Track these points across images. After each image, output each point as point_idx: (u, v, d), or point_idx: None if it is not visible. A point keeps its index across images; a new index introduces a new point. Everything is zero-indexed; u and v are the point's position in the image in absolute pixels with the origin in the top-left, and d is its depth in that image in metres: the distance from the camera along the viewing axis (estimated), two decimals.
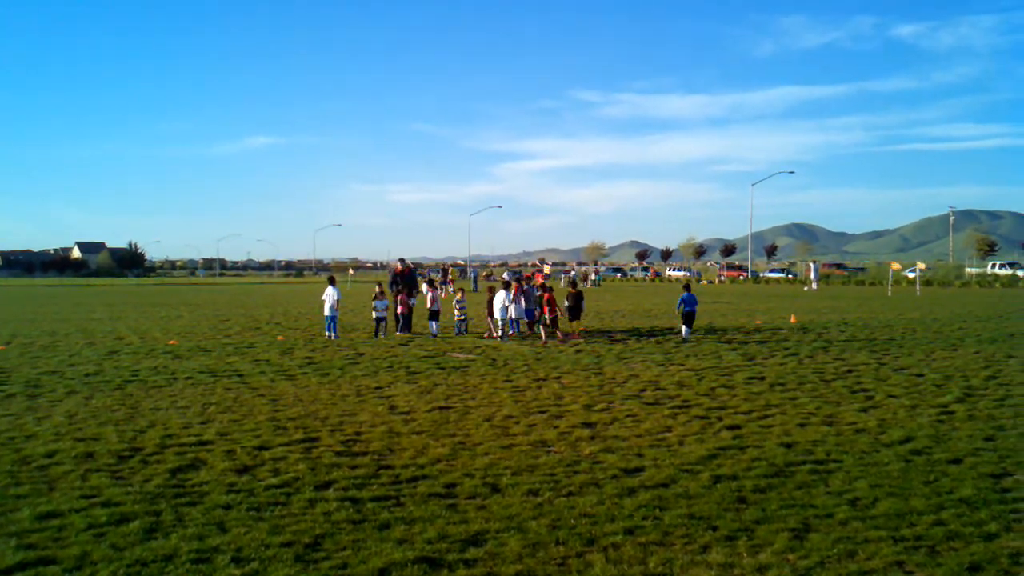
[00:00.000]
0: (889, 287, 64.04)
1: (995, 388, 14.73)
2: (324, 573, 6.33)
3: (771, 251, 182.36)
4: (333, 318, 24.24)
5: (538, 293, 24.17)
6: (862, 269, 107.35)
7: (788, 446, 10.33)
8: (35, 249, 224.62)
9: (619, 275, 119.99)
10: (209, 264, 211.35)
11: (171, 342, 23.12)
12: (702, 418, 12.14)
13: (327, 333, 24.19)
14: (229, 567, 6.43)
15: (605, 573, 6.31)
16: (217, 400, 13.79)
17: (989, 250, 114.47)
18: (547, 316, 23.40)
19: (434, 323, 24.65)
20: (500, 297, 23.43)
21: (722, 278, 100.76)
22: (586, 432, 11.20)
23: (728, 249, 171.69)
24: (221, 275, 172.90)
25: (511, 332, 23.52)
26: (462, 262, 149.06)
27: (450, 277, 63.15)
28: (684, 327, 23.45)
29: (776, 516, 7.58)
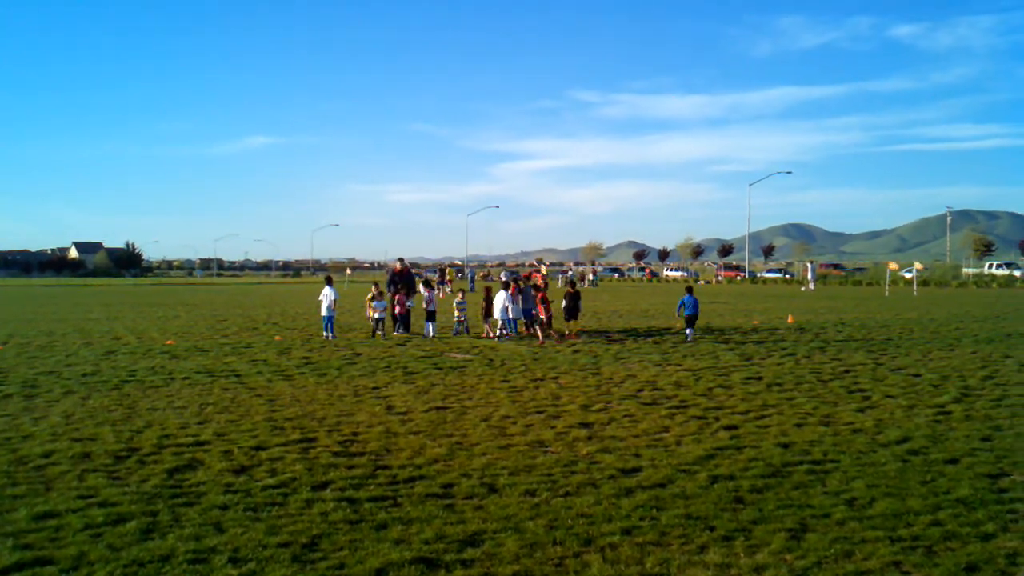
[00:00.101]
0: (886, 287, 64.09)
1: (992, 388, 14.74)
2: (321, 573, 6.33)
3: (768, 251, 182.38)
4: (330, 318, 24.22)
5: (532, 293, 24.16)
6: (862, 269, 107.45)
7: (785, 446, 10.33)
8: (32, 249, 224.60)
9: (616, 275, 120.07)
10: (207, 264, 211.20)
11: (168, 342, 23.10)
12: (699, 418, 12.15)
13: (324, 333, 24.18)
14: (226, 567, 6.42)
15: (602, 573, 6.31)
16: (214, 400, 13.78)
17: (986, 250, 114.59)
18: (542, 316, 23.40)
19: (430, 324, 24.64)
20: (500, 297, 23.43)
21: (719, 278, 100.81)
22: (583, 432, 11.20)
23: (725, 249, 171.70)
24: (218, 275, 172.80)
25: (508, 332, 23.50)
26: (459, 262, 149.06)
27: (448, 277, 63.12)
28: (688, 330, 23.42)
29: (773, 516, 7.58)
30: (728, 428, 11.46)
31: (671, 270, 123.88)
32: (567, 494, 8.32)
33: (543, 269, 75.70)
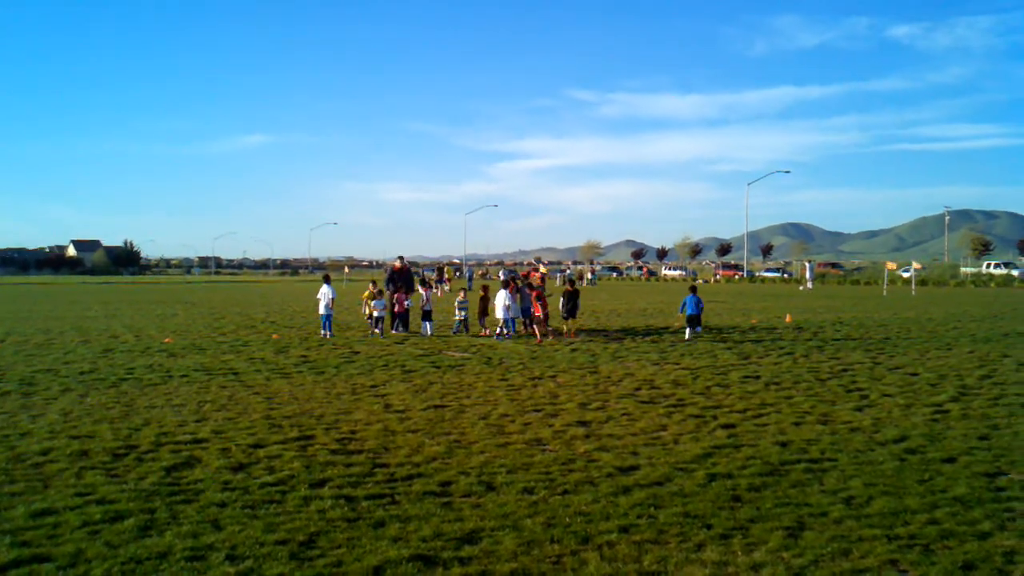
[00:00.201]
0: (884, 287, 64.13)
1: (990, 387, 14.76)
2: (319, 571, 6.33)
3: (767, 250, 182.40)
4: (328, 316, 24.22)
5: (510, 296, 24.13)
6: (861, 269, 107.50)
7: (783, 445, 10.34)
8: (30, 247, 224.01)
9: (615, 274, 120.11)
10: (205, 263, 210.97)
11: (166, 340, 23.09)
12: (697, 417, 12.16)
13: (322, 332, 24.18)
14: (223, 565, 6.42)
15: (600, 571, 6.32)
16: (212, 398, 13.78)
17: (984, 250, 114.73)
18: (538, 314, 23.40)
19: (427, 323, 24.64)
20: (501, 296, 23.45)
21: (718, 277, 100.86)
22: (581, 431, 11.21)
23: (724, 248, 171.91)
24: (216, 273, 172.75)
25: (508, 332, 23.49)
26: (458, 261, 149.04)
27: (447, 276, 63.12)
28: (688, 329, 23.45)
29: (771, 515, 7.59)
30: (726, 427, 11.46)
31: (669, 269, 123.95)
32: (565, 492, 8.33)
33: (542, 268, 75.63)
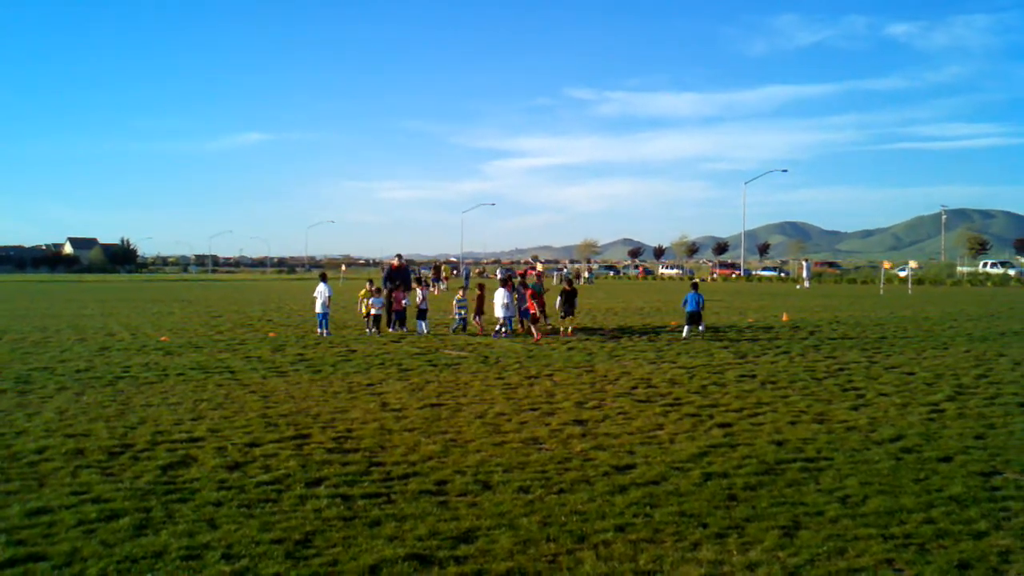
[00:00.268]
0: (881, 286, 64.18)
1: (986, 386, 14.77)
2: (314, 570, 6.32)
3: (763, 249, 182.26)
4: (324, 315, 24.21)
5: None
6: (860, 268, 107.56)
7: (779, 444, 10.35)
8: (26, 245, 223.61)
9: (612, 273, 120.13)
10: (201, 260, 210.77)
11: (163, 338, 23.07)
12: (693, 416, 12.16)
13: (318, 330, 24.17)
14: (219, 564, 6.42)
15: (595, 570, 6.32)
16: (208, 397, 13.76)
17: (981, 249, 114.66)
18: (532, 311, 23.39)
19: (422, 322, 24.62)
20: (500, 295, 23.46)
21: (715, 276, 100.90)
22: (577, 429, 11.21)
23: (721, 247, 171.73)
24: (213, 271, 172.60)
25: (507, 330, 23.50)
26: (454, 259, 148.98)
27: (444, 275, 63.02)
28: (686, 327, 23.47)
29: (766, 514, 7.60)
30: (722, 426, 11.47)
31: (666, 268, 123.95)
32: (561, 491, 8.33)
33: (539, 267, 75.63)
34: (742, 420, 11.87)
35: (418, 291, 25.85)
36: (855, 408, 12.79)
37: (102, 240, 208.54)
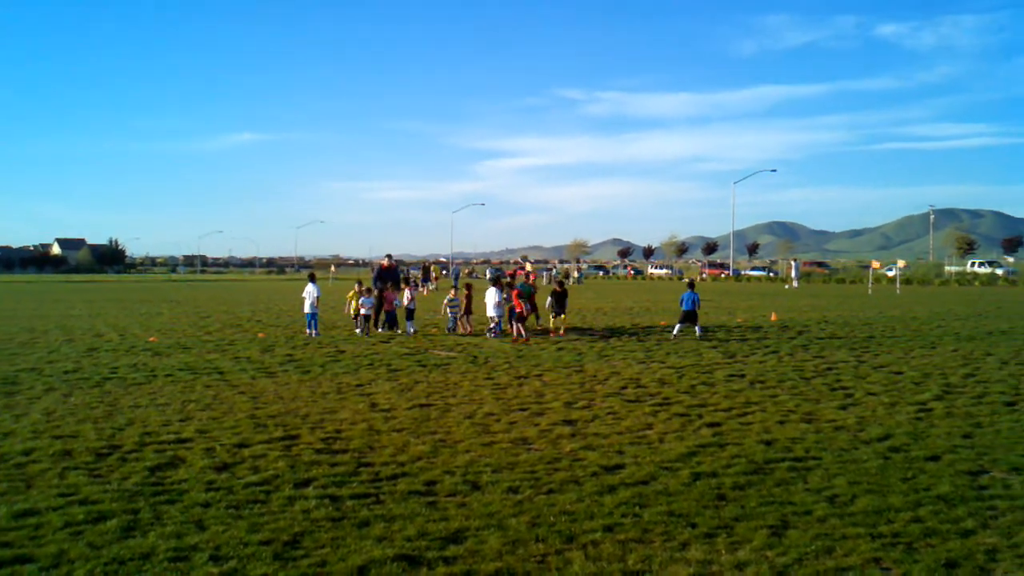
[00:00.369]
0: (869, 285, 64.37)
1: (973, 386, 14.83)
2: (303, 571, 6.31)
3: (753, 249, 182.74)
4: (313, 315, 24.16)
5: (504, 294, 24.11)
6: (847, 268, 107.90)
7: (767, 443, 10.37)
8: (14, 245, 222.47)
9: (602, 273, 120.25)
10: (190, 261, 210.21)
11: (151, 339, 22.99)
12: (682, 415, 12.18)
13: (307, 330, 24.12)
14: (207, 565, 6.40)
15: (584, 570, 6.32)
16: (197, 398, 13.73)
17: (969, 249, 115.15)
18: (518, 310, 23.37)
19: (410, 322, 24.57)
20: (492, 294, 23.43)
21: (704, 276, 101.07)
22: (567, 429, 11.21)
23: (710, 247, 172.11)
24: (202, 272, 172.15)
25: (497, 330, 23.49)
26: (444, 259, 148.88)
27: (434, 275, 62.89)
28: (678, 325, 23.51)
29: (755, 513, 7.61)
30: (711, 425, 11.49)
31: (656, 268, 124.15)
32: (550, 491, 8.33)
33: (528, 267, 75.58)
34: (731, 420, 11.89)
35: (406, 291, 25.80)
36: (843, 407, 12.82)
37: (90, 240, 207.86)
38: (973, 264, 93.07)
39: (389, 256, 27.72)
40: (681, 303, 23.63)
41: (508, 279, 27.19)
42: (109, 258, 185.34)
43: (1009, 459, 9.61)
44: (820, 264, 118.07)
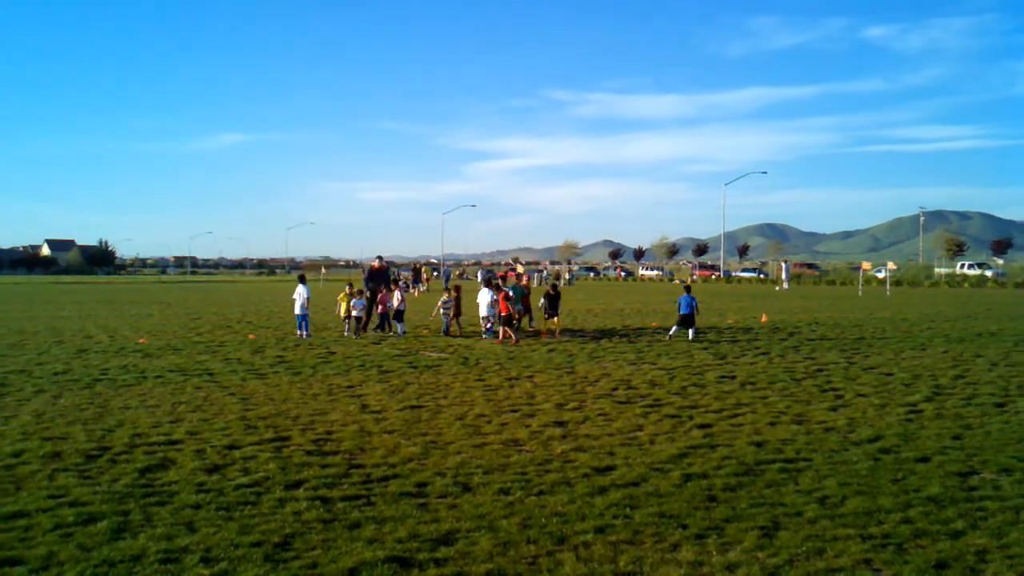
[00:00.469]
0: (859, 287, 64.53)
1: (963, 387, 14.88)
2: (294, 573, 6.30)
3: (743, 251, 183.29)
4: (304, 316, 24.13)
5: (493, 295, 24.09)
6: (837, 269, 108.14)
7: (758, 445, 10.39)
8: (4, 246, 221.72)
9: (592, 275, 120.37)
10: (181, 262, 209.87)
11: (141, 341, 22.93)
12: (673, 417, 12.19)
13: (298, 332, 24.08)
14: (198, 567, 6.39)
15: (575, 572, 6.32)
16: (187, 399, 13.69)
17: (958, 250, 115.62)
18: (503, 314, 23.34)
19: (400, 323, 24.52)
20: (485, 295, 23.43)
21: (695, 277, 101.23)
22: (558, 431, 11.21)
23: (701, 248, 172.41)
24: (192, 273, 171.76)
25: (491, 330, 23.50)
26: (435, 260, 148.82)
27: (425, 276, 62.84)
28: (675, 327, 23.52)
29: (746, 514, 7.62)
30: (702, 427, 11.50)
31: (646, 269, 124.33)
32: (541, 493, 8.33)
33: (519, 268, 75.55)
34: (722, 421, 11.90)
35: (395, 293, 25.76)
36: (834, 409, 12.85)
37: (80, 242, 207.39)
38: (962, 266, 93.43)
39: (380, 258, 27.67)
40: (679, 307, 23.64)
41: (498, 281, 27.16)
42: (99, 259, 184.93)
43: (999, 460, 9.64)
44: (810, 266, 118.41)
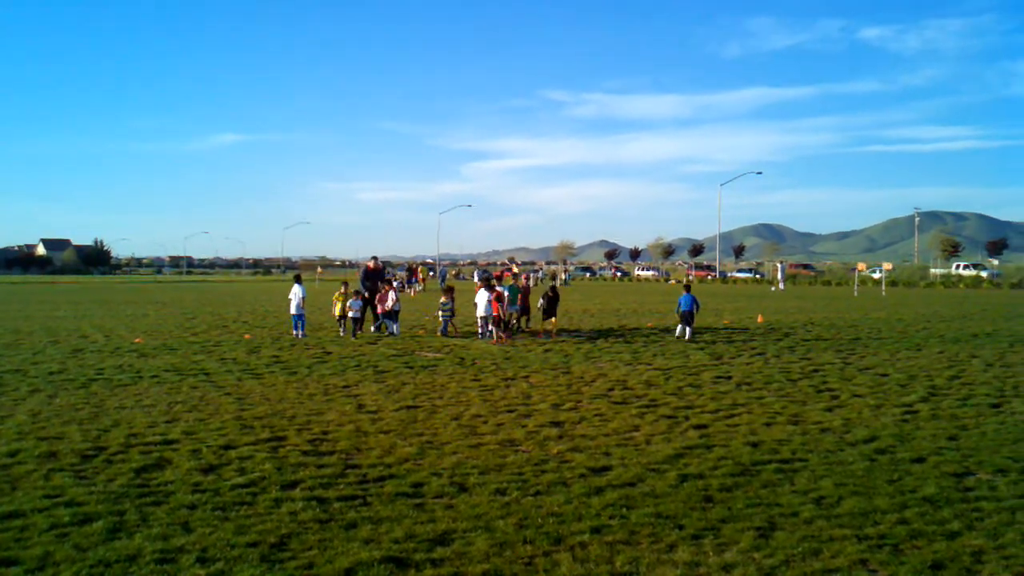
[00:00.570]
0: (855, 287, 64.60)
1: (958, 388, 14.90)
2: (290, 573, 6.30)
3: (739, 251, 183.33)
4: (300, 316, 24.10)
5: (490, 296, 24.09)
6: (832, 269, 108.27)
7: (754, 445, 10.39)
8: None
9: (588, 275, 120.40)
10: (176, 262, 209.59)
11: (137, 340, 22.90)
12: (669, 417, 12.19)
13: (294, 332, 24.06)
14: (194, 567, 6.38)
15: (572, 572, 6.32)
16: (183, 399, 13.68)
17: (953, 251, 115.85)
18: (496, 314, 23.34)
19: (394, 323, 24.48)
20: (483, 295, 23.44)
21: (690, 278, 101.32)
22: (554, 431, 11.21)
23: (696, 249, 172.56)
24: (188, 273, 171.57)
25: (490, 330, 23.50)
26: (431, 260, 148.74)
27: (421, 276, 62.82)
28: (679, 326, 23.50)
29: (742, 515, 7.63)
30: (698, 427, 11.51)
31: (642, 270, 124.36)
32: (537, 493, 8.33)
33: (515, 268, 75.46)
34: (718, 421, 11.91)
35: (390, 292, 25.73)
36: (829, 409, 12.86)
37: (75, 241, 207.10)
38: (958, 266, 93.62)
39: (375, 258, 27.67)
40: (679, 306, 23.61)
41: (494, 280, 27.17)
42: (94, 259, 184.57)
43: (994, 461, 9.65)
44: (806, 266, 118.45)
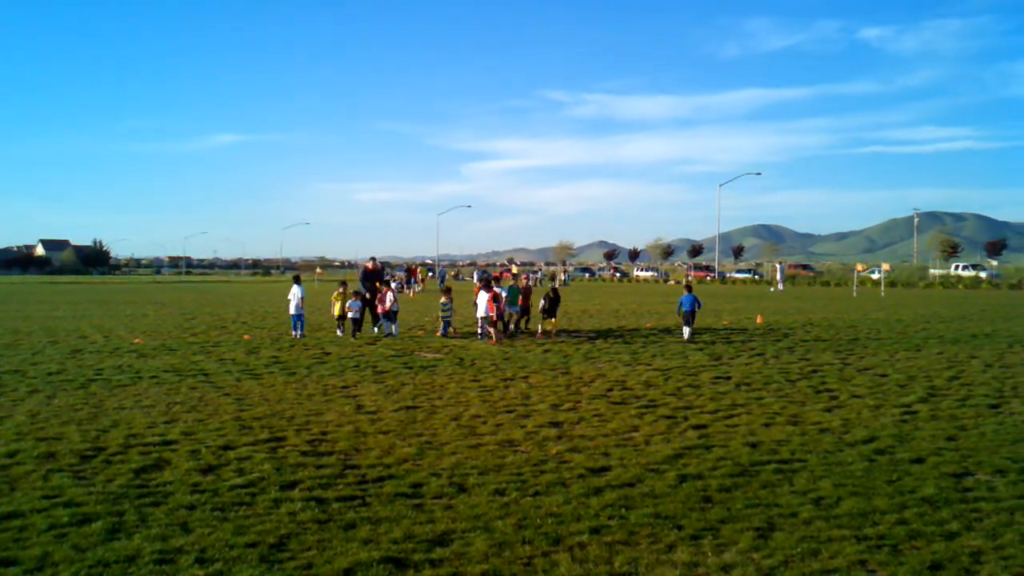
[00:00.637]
0: (854, 288, 64.61)
1: (957, 388, 14.90)
2: (289, 573, 6.29)
3: (738, 252, 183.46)
4: (299, 317, 24.10)
5: (487, 295, 24.08)
6: (831, 269, 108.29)
7: (753, 446, 10.39)
8: None
9: (588, 275, 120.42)
10: (175, 262, 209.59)
11: (136, 341, 22.90)
12: (668, 418, 12.19)
13: (293, 332, 24.06)
14: (193, 568, 6.38)
15: (571, 572, 6.32)
16: (182, 399, 13.67)
17: (952, 252, 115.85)
18: (492, 315, 23.31)
19: (393, 324, 24.47)
20: (483, 297, 23.43)
21: (690, 278, 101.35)
22: (553, 432, 11.21)
23: (695, 250, 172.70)
24: (187, 273, 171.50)
25: (488, 330, 23.50)
26: (430, 261, 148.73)
27: (420, 276, 62.78)
28: (685, 327, 23.44)
29: (741, 515, 7.62)
30: (697, 427, 11.51)
31: (641, 270, 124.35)
32: (536, 493, 8.33)
33: (514, 268, 75.51)
34: (717, 422, 11.91)
35: (388, 293, 25.72)
36: (829, 410, 12.86)
37: (74, 242, 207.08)
38: (957, 267, 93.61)
39: (373, 259, 27.69)
40: (680, 306, 23.59)
41: (492, 281, 27.17)
42: (93, 259, 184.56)
43: (993, 461, 9.65)
44: (805, 267, 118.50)
